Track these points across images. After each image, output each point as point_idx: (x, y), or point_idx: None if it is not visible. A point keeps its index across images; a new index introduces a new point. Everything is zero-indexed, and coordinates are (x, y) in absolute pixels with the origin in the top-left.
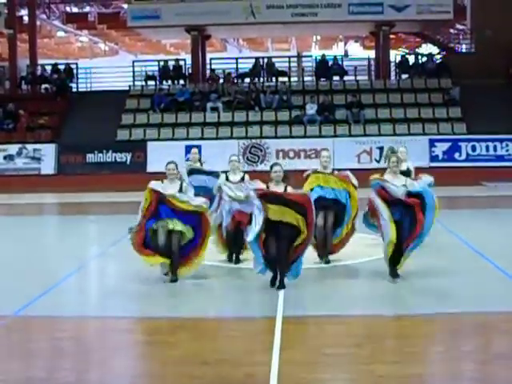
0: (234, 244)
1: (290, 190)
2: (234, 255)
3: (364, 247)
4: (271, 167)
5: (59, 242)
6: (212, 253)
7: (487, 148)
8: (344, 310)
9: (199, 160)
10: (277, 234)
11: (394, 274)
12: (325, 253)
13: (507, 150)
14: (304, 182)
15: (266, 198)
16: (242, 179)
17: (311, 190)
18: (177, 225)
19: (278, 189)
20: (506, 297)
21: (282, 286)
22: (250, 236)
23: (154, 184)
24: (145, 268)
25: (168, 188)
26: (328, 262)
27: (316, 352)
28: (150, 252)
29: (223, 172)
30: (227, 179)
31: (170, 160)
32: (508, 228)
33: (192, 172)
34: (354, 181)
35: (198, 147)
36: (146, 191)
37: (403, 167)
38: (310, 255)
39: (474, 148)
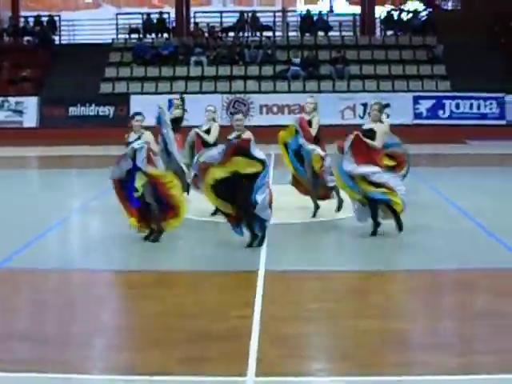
0: None
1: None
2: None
3: (348, 203)
4: (233, 115)
5: (41, 195)
6: (196, 207)
7: (471, 106)
8: (326, 266)
9: (181, 107)
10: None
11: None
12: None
13: (491, 109)
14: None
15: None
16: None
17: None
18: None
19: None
20: (487, 254)
21: (259, 242)
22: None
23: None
24: (127, 222)
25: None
26: (317, 207)
27: (298, 307)
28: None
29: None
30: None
31: (137, 111)
32: (490, 186)
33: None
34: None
35: (182, 97)
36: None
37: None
38: (292, 210)
39: (457, 106)
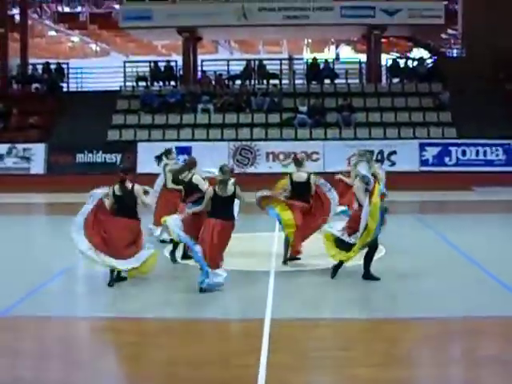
0: None
1: None
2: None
3: None
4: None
5: (47, 241)
6: None
7: (477, 153)
8: (332, 313)
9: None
10: None
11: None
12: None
13: (497, 155)
14: None
15: None
16: None
17: None
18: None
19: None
20: (493, 301)
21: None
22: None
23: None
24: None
25: None
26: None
27: (303, 355)
28: None
29: None
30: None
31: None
32: (496, 233)
33: None
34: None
35: (188, 149)
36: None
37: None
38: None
39: (464, 153)
